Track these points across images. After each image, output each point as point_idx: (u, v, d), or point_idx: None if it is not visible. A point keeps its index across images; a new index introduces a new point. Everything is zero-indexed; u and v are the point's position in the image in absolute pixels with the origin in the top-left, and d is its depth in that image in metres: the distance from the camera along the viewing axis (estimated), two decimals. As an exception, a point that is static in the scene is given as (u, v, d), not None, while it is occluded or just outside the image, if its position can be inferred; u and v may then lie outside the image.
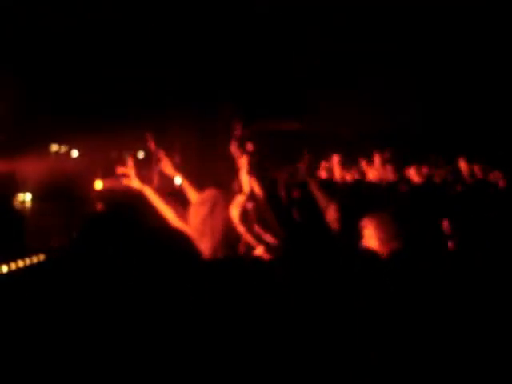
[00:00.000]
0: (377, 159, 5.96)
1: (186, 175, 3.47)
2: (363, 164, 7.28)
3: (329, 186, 5.18)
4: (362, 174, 7.11)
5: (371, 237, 3.35)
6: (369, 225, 3.39)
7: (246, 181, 3.11)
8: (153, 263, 2.34)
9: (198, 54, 9.40)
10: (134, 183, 3.24)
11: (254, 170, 3.16)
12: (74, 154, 11.88)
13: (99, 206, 7.08)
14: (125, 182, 3.25)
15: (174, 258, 2.33)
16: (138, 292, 2.31)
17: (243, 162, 3.21)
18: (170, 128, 9.84)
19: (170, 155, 3.53)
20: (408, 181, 6.29)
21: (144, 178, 3.32)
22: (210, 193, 2.80)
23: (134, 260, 2.46)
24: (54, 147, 11.78)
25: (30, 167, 10.08)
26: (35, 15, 8.45)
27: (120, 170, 3.30)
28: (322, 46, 9.48)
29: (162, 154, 3.55)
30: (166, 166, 3.56)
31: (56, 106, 10.40)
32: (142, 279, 2.34)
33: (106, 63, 9.63)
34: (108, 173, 9.37)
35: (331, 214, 4.07)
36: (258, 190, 3.10)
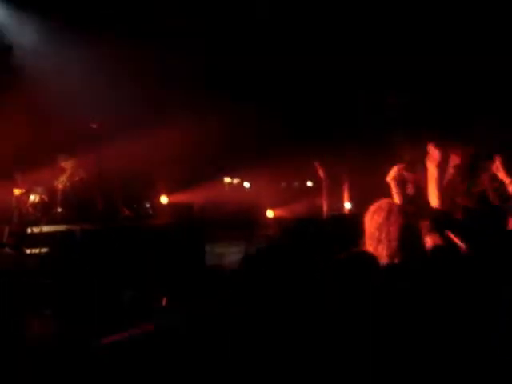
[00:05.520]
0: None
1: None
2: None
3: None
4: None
5: None
6: None
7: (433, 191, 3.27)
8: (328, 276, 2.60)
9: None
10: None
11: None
12: (246, 185, 12.74)
13: (272, 233, 7.60)
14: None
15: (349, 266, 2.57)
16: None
17: (431, 175, 3.36)
18: (334, 158, 10.14)
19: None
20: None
21: (312, 206, 3.63)
22: (384, 201, 2.92)
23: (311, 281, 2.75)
24: (227, 179, 12.75)
25: (205, 197, 11.06)
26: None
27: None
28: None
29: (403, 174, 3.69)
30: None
31: (228, 142, 11.23)
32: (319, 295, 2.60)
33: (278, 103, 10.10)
34: (278, 202, 9.91)
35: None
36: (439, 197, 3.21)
